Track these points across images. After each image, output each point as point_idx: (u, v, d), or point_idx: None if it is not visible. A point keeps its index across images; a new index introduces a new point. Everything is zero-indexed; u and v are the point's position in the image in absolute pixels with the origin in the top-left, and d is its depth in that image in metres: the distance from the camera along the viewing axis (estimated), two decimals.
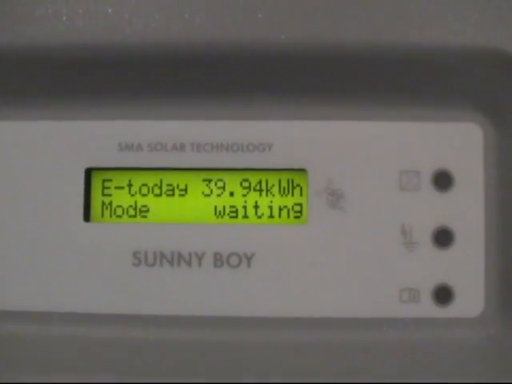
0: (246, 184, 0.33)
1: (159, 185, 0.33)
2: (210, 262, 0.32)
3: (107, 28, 0.31)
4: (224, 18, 0.31)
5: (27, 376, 0.31)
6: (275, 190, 0.33)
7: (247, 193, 0.33)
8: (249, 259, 0.32)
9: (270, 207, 0.32)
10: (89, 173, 0.33)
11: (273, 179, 0.33)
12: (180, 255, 0.32)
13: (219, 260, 0.32)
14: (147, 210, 0.33)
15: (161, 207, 0.33)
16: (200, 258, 0.32)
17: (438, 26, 0.31)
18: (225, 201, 0.33)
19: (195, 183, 0.33)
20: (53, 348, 0.32)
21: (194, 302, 0.32)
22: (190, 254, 0.32)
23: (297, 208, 0.32)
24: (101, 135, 0.33)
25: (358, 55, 0.31)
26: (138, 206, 0.33)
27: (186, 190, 0.33)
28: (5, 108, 0.33)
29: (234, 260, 0.32)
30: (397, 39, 0.31)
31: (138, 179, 0.33)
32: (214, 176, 0.33)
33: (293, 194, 0.33)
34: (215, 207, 0.33)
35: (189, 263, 0.32)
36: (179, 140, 0.33)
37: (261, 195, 0.33)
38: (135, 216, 0.33)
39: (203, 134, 0.33)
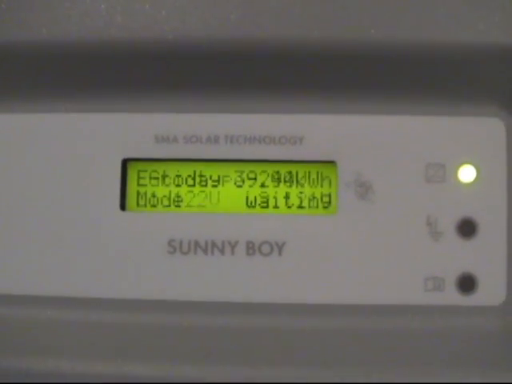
0: (277, 175, 0.34)
1: (193, 176, 0.34)
2: (242, 250, 0.33)
3: (145, 24, 0.32)
4: (260, 15, 0.32)
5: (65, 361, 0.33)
6: (305, 181, 0.34)
7: (278, 183, 0.34)
8: (280, 248, 0.33)
9: (300, 198, 0.34)
10: (125, 163, 0.34)
11: (303, 171, 0.34)
12: (214, 243, 0.33)
13: (251, 248, 0.33)
14: (181, 200, 0.34)
15: (194, 197, 0.34)
16: (233, 247, 0.33)
17: (463, 25, 0.32)
18: (256, 191, 0.34)
19: (228, 174, 0.34)
20: (89, 333, 0.33)
21: (227, 289, 0.33)
22: (223, 243, 0.33)
23: (326, 199, 0.34)
24: (138, 127, 0.34)
25: (386, 52, 0.32)
26: (172, 196, 0.34)
27: (218, 180, 0.34)
28: (44, 101, 0.34)
29: (265, 248, 0.33)
30: (423, 37, 0.32)
31: (173, 170, 0.34)
32: (246, 167, 0.34)
33: (322, 186, 0.34)
34: (247, 197, 0.34)
35: (222, 251, 0.33)
36: (213, 132, 0.34)
37: (291, 186, 0.34)
38: (169, 206, 0.34)
39: (237, 126, 0.34)
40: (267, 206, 0.34)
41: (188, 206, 0.34)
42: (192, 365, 0.32)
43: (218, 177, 0.34)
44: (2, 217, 0.34)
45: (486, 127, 0.33)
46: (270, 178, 0.34)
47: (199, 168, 0.34)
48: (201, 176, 0.34)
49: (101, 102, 0.34)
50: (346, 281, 0.33)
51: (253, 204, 0.34)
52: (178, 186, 0.34)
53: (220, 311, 0.33)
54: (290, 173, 0.34)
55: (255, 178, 0.34)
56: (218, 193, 0.34)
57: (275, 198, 0.34)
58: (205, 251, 0.33)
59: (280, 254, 0.33)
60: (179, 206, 0.34)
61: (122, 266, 0.33)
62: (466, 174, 0.33)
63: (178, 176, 0.34)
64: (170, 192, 0.34)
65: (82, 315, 0.33)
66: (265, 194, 0.34)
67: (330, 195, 0.34)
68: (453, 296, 0.33)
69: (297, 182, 0.34)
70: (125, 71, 0.33)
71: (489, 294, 0.33)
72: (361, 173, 0.33)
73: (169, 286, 0.33)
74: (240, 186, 0.34)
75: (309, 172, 0.34)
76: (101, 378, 0.32)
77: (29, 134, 0.34)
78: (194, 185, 0.34)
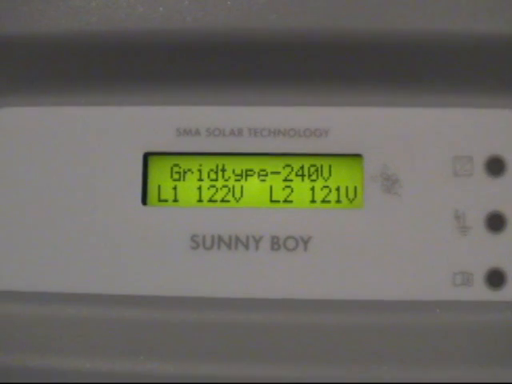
0: (301, 169, 0.33)
1: (215, 170, 0.33)
2: (267, 246, 0.33)
3: (166, 14, 0.32)
4: (285, 6, 0.31)
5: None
6: (331, 174, 0.33)
7: (303, 177, 0.33)
8: (305, 243, 0.33)
9: (326, 192, 0.33)
10: (146, 157, 0.33)
11: (328, 164, 0.33)
12: (237, 238, 0.33)
13: (276, 243, 0.33)
14: (203, 195, 0.33)
15: (217, 192, 0.33)
16: (257, 242, 0.33)
17: (491, 15, 0.31)
18: (281, 185, 0.33)
19: (251, 168, 0.33)
20: (111, 331, 0.32)
21: (252, 285, 0.33)
22: (247, 238, 0.33)
23: (351, 193, 0.33)
24: (159, 120, 0.33)
25: (414, 44, 0.32)
26: (195, 190, 0.33)
27: (242, 174, 0.33)
28: (64, 94, 0.34)
29: (290, 243, 0.33)
30: (451, 28, 0.31)
31: (195, 164, 0.33)
32: (270, 161, 0.33)
33: (348, 179, 0.33)
34: (271, 191, 0.33)
35: (246, 246, 0.33)
36: (237, 125, 0.33)
37: (316, 180, 0.33)
38: (191, 200, 0.33)
39: (261, 119, 0.33)
40: (292, 201, 0.33)
41: (211, 200, 0.33)
42: (215, 362, 0.32)
43: (242, 171, 0.33)
44: (22, 212, 0.33)
45: None
46: (294, 172, 0.33)
47: (222, 162, 0.33)
48: (223, 170, 0.33)
49: (121, 95, 0.33)
50: (373, 276, 0.32)
51: (278, 198, 0.33)
52: (201, 180, 0.33)
53: (244, 308, 0.32)
54: (314, 166, 0.33)
55: (279, 172, 0.33)
56: (242, 187, 0.33)
57: (300, 192, 0.33)
58: (228, 246, 0.33)
59: (305, 249, 0.33)
60: (202, 201, 0.33)
61: (144, 262, 0.33)
62: (495, 166, 0.33)
63: (200, 170, 0.33)
64: (192, 186, 0.33)
65: (102, 312, 0.33)
66: (289, 189, 0.33)
67: (355, 189, 0.33)
68: (482, 291, 0.32)
69: (322, 175, 0.33)
70: (145, 63, 0.33)
71: None
72: (387, 166, 0.33)
73: (192, 283, 0.33)
74: (264, 180, 0.33)
75: (334, 165, 0.33)
76: (121, 375, 0.32)
77: (48, 128, 0.34)
78: (216, 179, 0.33)
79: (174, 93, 0.33)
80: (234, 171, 0.33)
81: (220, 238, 0.33)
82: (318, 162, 0.33)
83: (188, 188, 0.33)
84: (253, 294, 0.32)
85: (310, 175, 0.33)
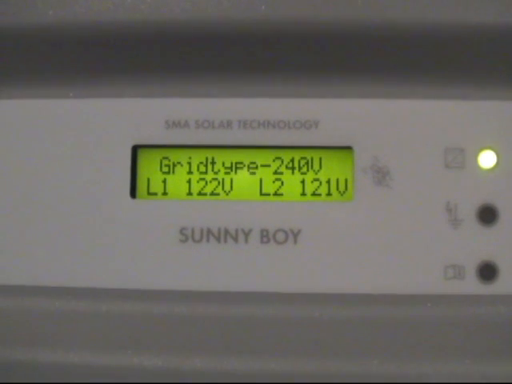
0: (291, 161, 0.33)
1: (205, 162, 0.33)
2: (256, 239, 0.32)
3: (154, 5, 0.31)
4: None
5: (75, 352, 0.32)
6: (321, 167, 0.33)
7: (293, 170, 0.33)
8: (295, 235, 0.32)
9: (316, 184, 0.33)
10: (135, 150, 0.33)
11: (319, 156, 0.33)
12: (227, 231, 0.32)
13: (266, 236, 0.32)
14: (193, 188, 0.33)
15: (206, 185, 0.33)
16: (247, 235, 0.32)
17: (482, 6, 0.31)
18: (271, 178, 0.33)
19: (241, 161, 0.33)
20: (99, 324, 0.32)
21: (241, 278, 0.32)
22: (236, 231, 0.32)
23: (342, 185, 0.33)
24: (148, 113, 0.33)
25: (405, 35, 0.31)
26: (184, 183, 0.33)
27: (231, 167, 0.33)
28: (52, 87, 0.33)
29: (280, 236, 0.32)
30: (442, 18, 0.31)
31: (184, 157, 0.33)
32: (261, 153, 0.33)
33: (338, 172, 0.33)
34: (261, 184, 0.33)
35: (235, 239, 0.32)
36: (226, 117, 0.33)
37: (307, 172, 0.33)
38: (181, 193, 0.33)
39: (250, 111, 0.33)
40: (282, 194, 0.33)
41: (200, 193, 0.33)
42: (204, 356, 0.32)
43: (231, 163, 0.33)
44: (10, 206, 0.33)
45: (506, 111, 0.32)
46: (284, 165, 0.33)
47: (212, 154, 0.33)
48: (213, 163, 0.33)
49: (110, 87, 0.33)
50: (363, 269, 0.32)
51: (267, 191, 0.33)
52: (190, 173, 0.33)
53: (233, 301, 0.32)
54: (305, 159, 0.33)
55: (269, 165, 0.33)
56: (231, 180, 0.33)
57: (290, 185, 0.33)
58: (218, 239, 0.32)
59: (295, 241, 0.32)
60: (191, 194, 0.33)
61: (133, 256, 0.33)
62: (486, 159, 0.32)
63: (190, 163, 0.33)
64: (182, 179, 0.33)
65: (91, 306, 0.32)
66: (279, 181, 0.33)
67: (346, 181, 0.33)
68: (473, 284, 0.32)
69: (312, 168, 0.33)
70: (134, 55, 0.32)
71: (510, 282, 0.32)
72: (378, 158, 0.32)
73: (181, 276, 0.32)
74: (254, 173, 0.33)
75: (325, 157, 0.33)
76: (111, 369, 0.32)
77: (36, 120, 0.33)
78: (206, 172, 0.33)
79: (163, 85, 0.33)
80: (223, 164, 0.33)
81: (209, 231, 0.33)
82: (308, 154, 0.33)
83: (177, 181, 0.33)
84: (242, 287, 0.32)
85: (300, 168, 0.33)
